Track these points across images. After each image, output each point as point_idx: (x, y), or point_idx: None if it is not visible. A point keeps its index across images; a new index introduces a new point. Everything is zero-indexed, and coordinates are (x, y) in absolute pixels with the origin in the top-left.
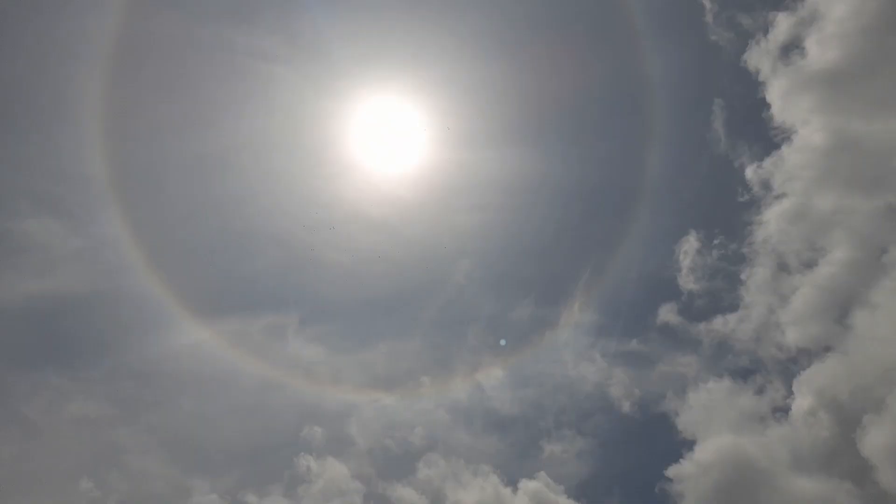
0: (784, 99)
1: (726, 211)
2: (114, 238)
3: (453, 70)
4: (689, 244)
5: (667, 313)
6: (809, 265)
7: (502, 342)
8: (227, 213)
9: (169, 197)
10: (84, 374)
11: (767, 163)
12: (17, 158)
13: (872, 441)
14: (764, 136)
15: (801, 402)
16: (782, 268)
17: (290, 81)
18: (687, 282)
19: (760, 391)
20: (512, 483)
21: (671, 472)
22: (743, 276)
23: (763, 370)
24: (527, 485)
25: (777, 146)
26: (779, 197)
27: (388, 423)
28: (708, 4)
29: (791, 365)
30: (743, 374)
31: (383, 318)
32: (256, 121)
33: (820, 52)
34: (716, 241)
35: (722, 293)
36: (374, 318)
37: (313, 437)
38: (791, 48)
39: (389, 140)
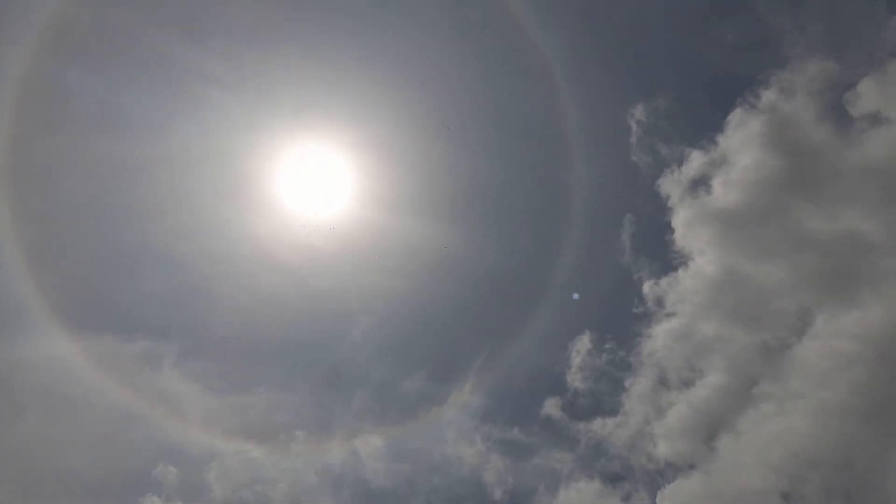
0: (686, 227)
1: (621, 319)
2: None
3: (392, 135)
4: (583, 344)
5: (551, 407)
6: (687, 384)
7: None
8: (125, 224)
9: (65, 195)
10: None
11: (664, 282)
12: None
13: None
14: (664, 256)
15: None
16: (662, 382)
17: (226, 107)
18: (574, 379)
19: (626, 498)
20: None
21: None
22: (626, 384)
23: (631, 478)
24: None
25: (675, 268)
26: (669, 315)
27: (251, 475)
28: (634, 127)
29: (658, 477)
30: (613, 479)
31: (269, 364)
32: (181, 137)
33: (723, 192)
34: (606, 346)
35: (605, 396)
36: (260, 362)
37: (166, 477)
38: (699, 183)
39: (314, 188)
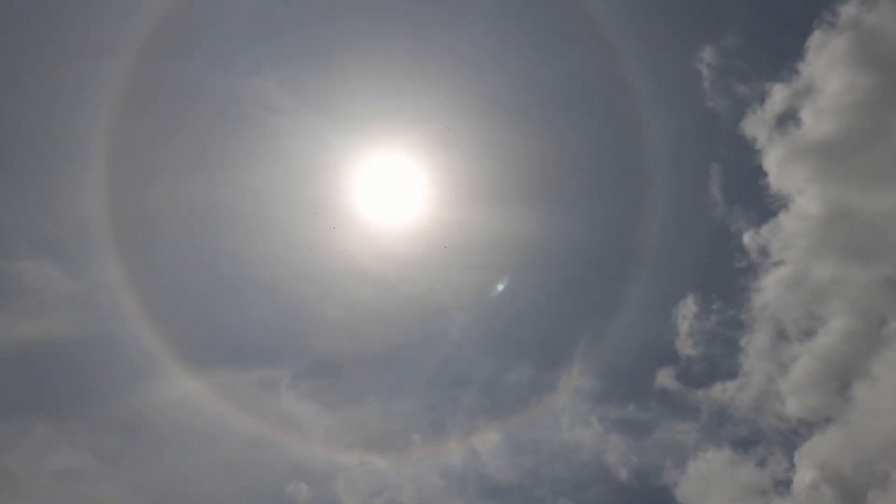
0: (780, 167)
1: (724, 276)
2: (108, 283)
3: (457, 129)
4: (688, 308)
5: (665, 378)
6: (808, 334)
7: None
8: (223, 262)
9: (165, 243)
10: (70, 425)
11: (765, 229)
12: (17, 198)
13: None
14: (761, 202)
15: (804, 475)
16: (781, 336)
17: (294, 133)
18: (685, 346)
19: (761, 463)
20: None
21: None
22: (742, 343)
23: (764, 441)
24: None
25: (774, 213)
26: (776, 264)
27: (377, 485)
28: (705, 72)
29: (792, 436)
30: (743, 445)
31: (377, 376)
32: (258, 171)
33: (815, 123)
34: (714, 307)
35: (720, 359)
36: (368, 375)
37: (299, 494)
38: (787, 118)
39: (389, 195)
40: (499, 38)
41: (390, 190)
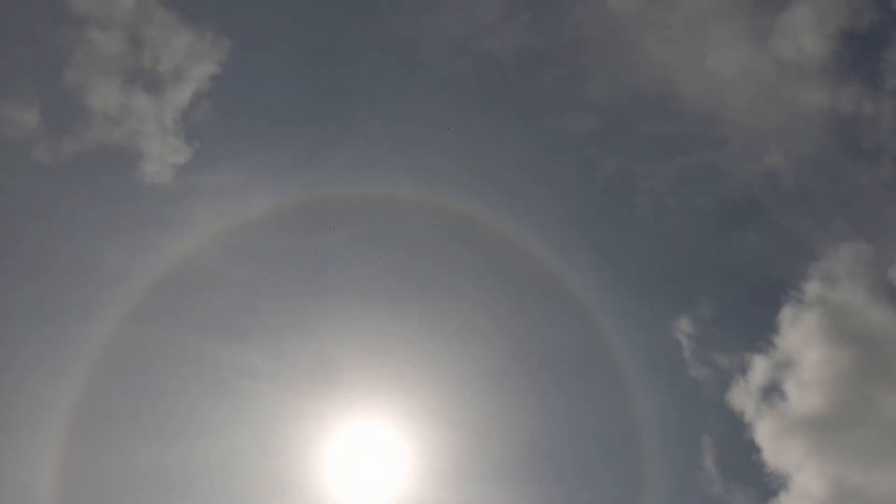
0: (773, 442)
1: None
2: None
3: (441, 402)
4: None
5: None
6: None
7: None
8: None
9: None
10: None
11: None
12: None
13: None
14: (759, 480)
15: None
16: None
17: (271, 399)
18: None
19: None
20: None
21: None
22: None
23: None
24: None
25: (774, 492)
26: None
27: None
28: (685, 342)
29: None
30: None
31: None
32: (231, 438)
33: (801, 396)
34: None
35: None
36: None
37: None
38: (771, 391)
39: (366, 470)
40: (483, 315)
41: (367, 464)
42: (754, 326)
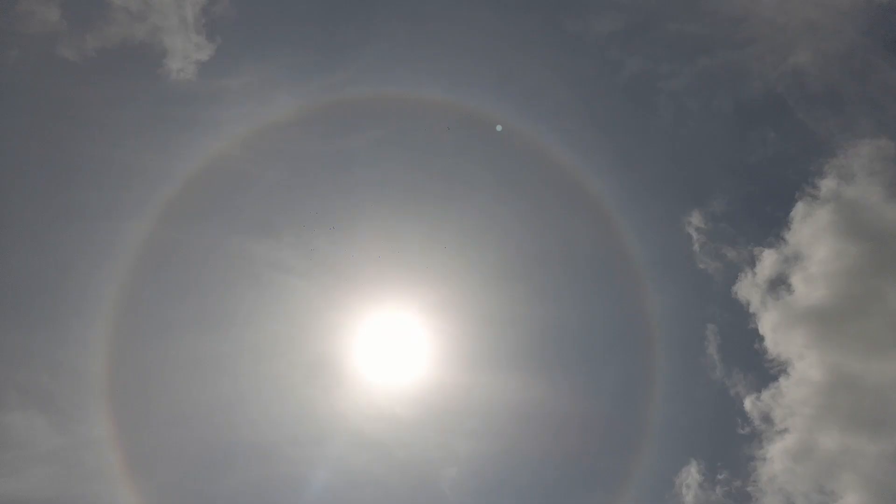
0: (776, 331)
1: (728, 443)
2: (96, 439)
3: (463, 295)
4: (691, 476)
5: None
6: None
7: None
8: (216, 421)
9: (160, 400)
10: None
11: (766, 395)
12: (17, 349)
13: None
14: (759, 366)
15: None
16: None
17: (303, 292)
18: None
19: None
20: None
21: None
22: None
23: None
24: None
25: (774, 377)
26: (781, 432)
27: None
28: (695, 236)
29: None
30: None
31: None
32: (264, 328)
33: (806, 289)
34: (719, 476)
35: None
36: None
37: None
38: (778, 284)
39: (392, 357)
40: (502, 211)
41: (393, 351)
42: (766, 222)
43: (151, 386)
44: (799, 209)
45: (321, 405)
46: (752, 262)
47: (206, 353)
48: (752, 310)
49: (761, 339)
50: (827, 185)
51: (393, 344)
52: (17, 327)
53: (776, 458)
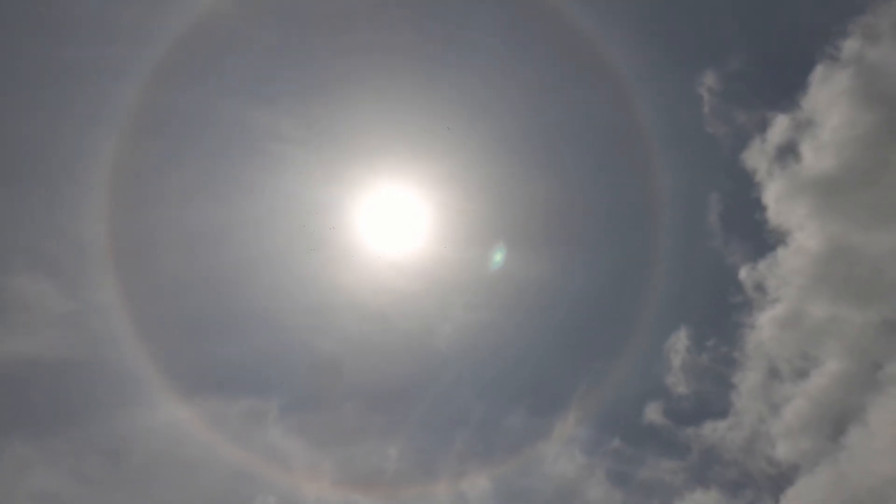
0: (779, 201)
1: (719, 311)
2: (103, 304)
3: (464, 168)
4: (680, 342)
5: (654, 414)
6: (801, 375)
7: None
8: (220, 287)
9: (164, 267)
10: (51, 445)
11: (762, 265)
12: (19, 214)
13: None
14: (759, 236)
15: None
16: (774, 375)
17: (301, 163)
18: (676, 382)
19: None
20: None
21: None
22: (734, 381)
23: (752, 484)
24: None
25: (772, 248)
26: (772, 301)
27: None
28: (707, 96)
29: (781, 480)
30: (732, 488)
31: (368, 413)
32: (263, 198)
33: (815, 157)
34: (707, 343)
35: (711, 397)
36: (359, 411)
37: None
38: (787, 151)
39: (393, 230)
40: (506, 78)
41: (394, 224)
42: (782, 84)
43: (154, 254)
44: (818, 72)
45: (322, 276)
46: (764, 127)
47: (207, 222)
48: (757, 178)
49: (763, 208)
50: (850, 46)
51: (394, 217)
52: (14, 190)
53: (764, 325)
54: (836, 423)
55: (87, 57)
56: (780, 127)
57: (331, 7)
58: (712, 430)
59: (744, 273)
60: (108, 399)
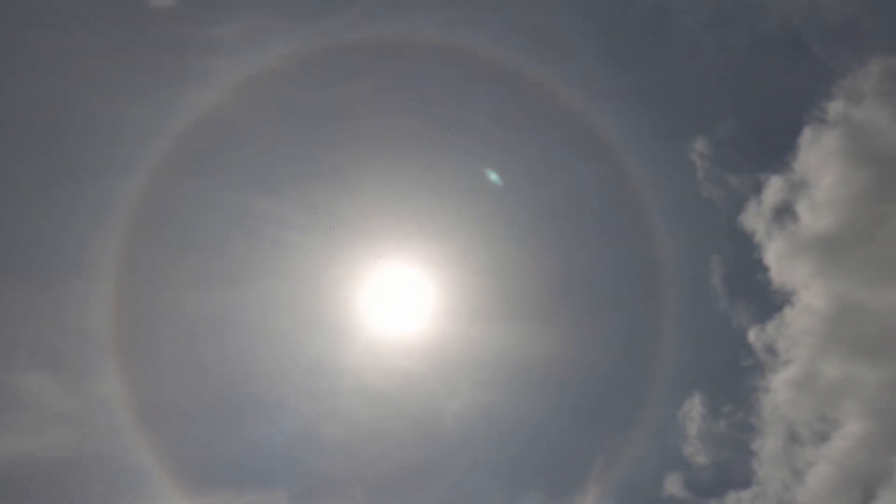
0: (781, 261)
1: (731, 375)
2: (106, 398)
3: (467, 246)
4: (695, 409)
5: (673, 486)
6: (822, 438)
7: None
8: (225, 376)
9: (168, 358)
10: None
11: (770, 326)
12: (25, 310)
13: None
14: (764, 296)
15: None
16: (794, 440)
17: (304, 248)
18: (694, 451)
19: None
20: None
21: None
22: (754, 448)
23: None
24: None
25: (778, 308)
26: (784, 363)
27: None
28: (699, 162)
29: None
30: None
31: (379, 501)
32: (267, 284)
33: (812, 216)
34: (723, 408)
35: (732, 465)
36: (369, 499)
37: None
38: (783, 211)
39: (397, 310)
40: (506, 159)
41: (399, 305)
42: (772, 147)
43: (158, 344)
44: (806, 134)
45: (329, 361)
46: (758, 189)
47: (211, 310)
48: (756, 240)
49: (766, 269)
50: (835, 108)
51: (398, 297)
52: (20, 288)
53: (779, 388)
54: (865, 486)
55: (93, 154)
56: (774, 188)
57: (329, 97)
58: (736, 502)
59: (752, 335)
60: (111, 497)
